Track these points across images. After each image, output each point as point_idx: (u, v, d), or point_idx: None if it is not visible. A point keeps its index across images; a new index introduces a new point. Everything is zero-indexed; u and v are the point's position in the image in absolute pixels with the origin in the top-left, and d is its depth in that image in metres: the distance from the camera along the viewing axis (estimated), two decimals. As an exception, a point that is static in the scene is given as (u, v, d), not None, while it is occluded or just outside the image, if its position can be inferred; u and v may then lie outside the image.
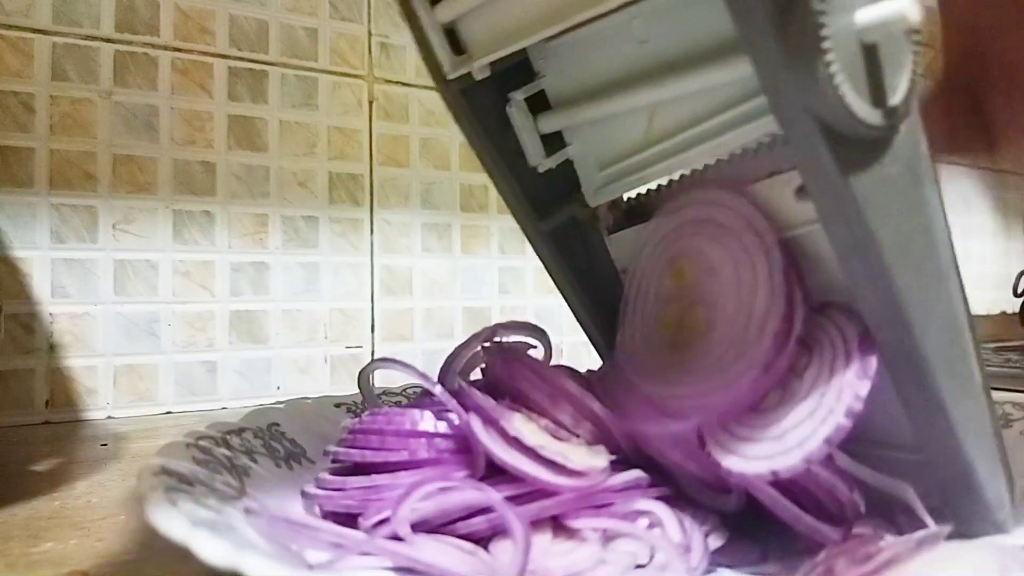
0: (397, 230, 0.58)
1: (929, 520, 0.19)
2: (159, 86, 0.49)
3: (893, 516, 0.20)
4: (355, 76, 0.57)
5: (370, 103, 0.57)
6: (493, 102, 0.25)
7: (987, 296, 0.94)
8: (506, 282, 0.63)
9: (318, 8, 0.55)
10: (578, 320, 0.29)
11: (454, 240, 0.61)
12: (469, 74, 0.23)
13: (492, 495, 0.19)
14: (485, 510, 0.20)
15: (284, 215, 0.53)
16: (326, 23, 0.56)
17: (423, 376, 0.24)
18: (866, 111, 0.16)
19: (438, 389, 0.23)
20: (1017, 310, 0.83)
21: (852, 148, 0.16)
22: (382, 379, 0.34)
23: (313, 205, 0.55)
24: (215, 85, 0.51)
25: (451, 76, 0.23)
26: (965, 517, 0.19)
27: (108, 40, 0.48)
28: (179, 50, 0.50)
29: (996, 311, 0.95)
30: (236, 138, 0.52)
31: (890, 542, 0.17)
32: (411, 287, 0.59)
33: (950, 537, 0.18)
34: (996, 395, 0.29)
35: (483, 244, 0.62)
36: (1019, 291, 0.80)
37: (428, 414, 0.22)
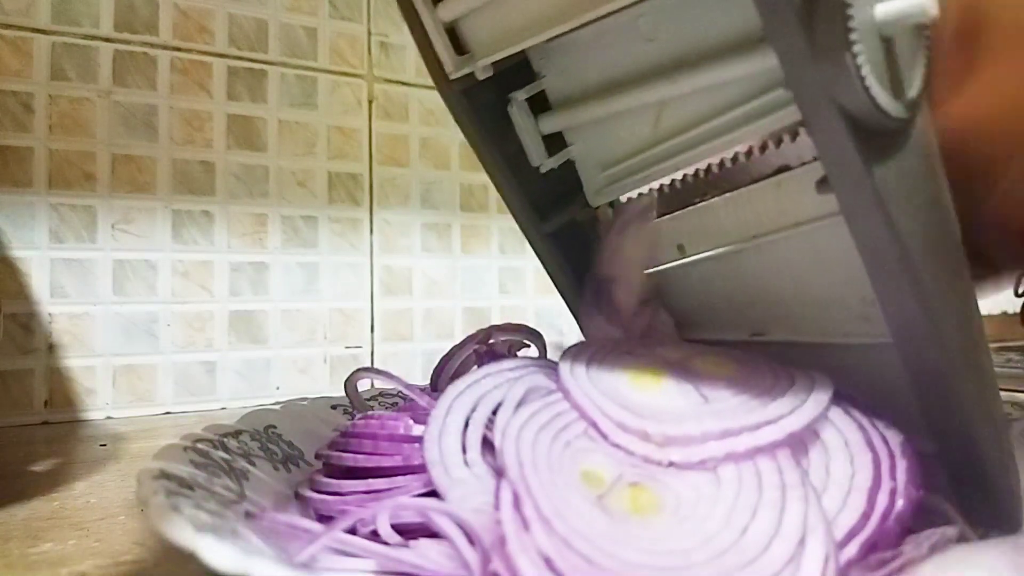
0: (397, 230, 0.58)
1: (971, 532, 0.19)
2: (158, 85, 0.49)
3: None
4: (355, 75, 0.57)
5: (370, 102, 0.57)
6: (494, 102, 0.24)
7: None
8: (506, 282, 0.63)
9: (317, 7, 0.55)
10: (577, 322, 0.29)
11: (454, 240, 0.61)
12: (471, 74, 0.23)
13: (446, 526, 0.18)
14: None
15: (283, 215, 0.53)
16: (325, 22, 0.56)
17: (408, 386, 0.24)
18: (889, 103, 0.16)
19: (425, 400, 0.23)
20: (1018, 310, 0.83)
21: (874, 139, 0.16)
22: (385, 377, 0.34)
23: (312, 205, 0.55)
24: (214, 84, 0.51)
25: (453, 76, 0.23)
26: (978, 513, 0.19)
27: (107, 39, 0.48)
28: (178, 49, 0.50)
29: (997, 311, 0.95)
30: (235, 138, 0.52)
31: (904, 547, 0.17)
32: (411, 287, 0.59)
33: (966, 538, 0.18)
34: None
35: (483, 244, 0.62)
36: (1019, 291, 0.80)
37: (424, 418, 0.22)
